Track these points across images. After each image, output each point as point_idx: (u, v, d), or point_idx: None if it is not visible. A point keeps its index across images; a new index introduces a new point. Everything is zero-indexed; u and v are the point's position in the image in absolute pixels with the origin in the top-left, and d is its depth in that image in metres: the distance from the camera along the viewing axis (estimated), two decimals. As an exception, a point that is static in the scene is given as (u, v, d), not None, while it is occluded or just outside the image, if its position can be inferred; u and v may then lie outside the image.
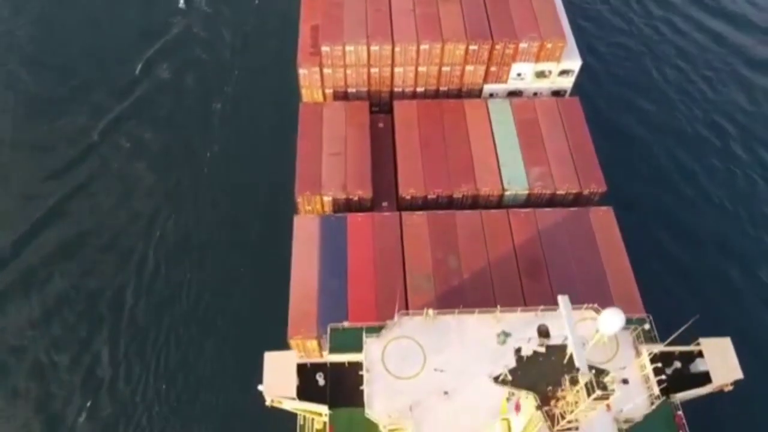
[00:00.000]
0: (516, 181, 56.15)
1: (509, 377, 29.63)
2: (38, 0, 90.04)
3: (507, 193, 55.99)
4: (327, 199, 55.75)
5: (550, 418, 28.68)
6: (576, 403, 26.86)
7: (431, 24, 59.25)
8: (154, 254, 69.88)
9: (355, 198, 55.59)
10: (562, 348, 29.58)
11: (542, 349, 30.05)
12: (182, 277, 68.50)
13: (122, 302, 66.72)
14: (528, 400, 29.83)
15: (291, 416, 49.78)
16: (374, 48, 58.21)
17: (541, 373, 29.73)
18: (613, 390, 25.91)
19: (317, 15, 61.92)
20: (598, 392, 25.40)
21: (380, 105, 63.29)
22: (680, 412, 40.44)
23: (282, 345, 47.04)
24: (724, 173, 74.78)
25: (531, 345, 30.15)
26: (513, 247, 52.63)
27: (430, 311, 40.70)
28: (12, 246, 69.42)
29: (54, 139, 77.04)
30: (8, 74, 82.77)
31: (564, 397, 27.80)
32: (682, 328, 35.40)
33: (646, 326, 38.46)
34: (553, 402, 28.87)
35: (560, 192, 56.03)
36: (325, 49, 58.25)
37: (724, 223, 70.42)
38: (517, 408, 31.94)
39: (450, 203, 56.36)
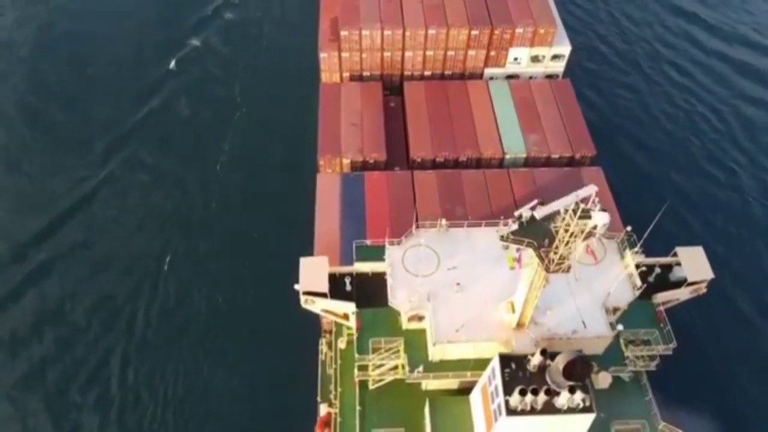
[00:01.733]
0: (515, 145, 65.11)
1: (513, 234, 37.76)
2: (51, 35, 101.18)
3: (507, 156, 64.84)
4: (346, 161, 64.39)
5: (547, 261, 36.67)
6: (566, 231, 34.79)
7: (437, 12, 69.74)
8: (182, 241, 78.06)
9: (371, 161, 64.23)
10: (555, 214, 37.71)
11: (538, 215, 38.27)
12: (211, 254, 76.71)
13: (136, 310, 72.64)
14: (528, 251, 37.86)
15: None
16: (387, 32, 68.32)
17: (538, 232, 37.83)
18: (593, 214, 33.90)
19: (335, 9, 72.43)
20: (582, 207, 33.45)
21: (391, 88, 72.84)
22: (661, 308, 48.18)
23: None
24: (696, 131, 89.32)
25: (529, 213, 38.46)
26: (513, 200, 60.95)
27: (443, 221, 49.02)
28: (14, 263, 74.62)
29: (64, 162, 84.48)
30: (20, 104, 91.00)
31: (557, 232, 35.77)
32: (657, 216, 43.88)
33: (629, 228, 46.54)
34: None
35: (554, 155, 64.88)
36: (343, 33, 68.38)
37: (702, 174, 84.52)
38: (520, 261, 39.78)
39: (456, 166, 64.97)
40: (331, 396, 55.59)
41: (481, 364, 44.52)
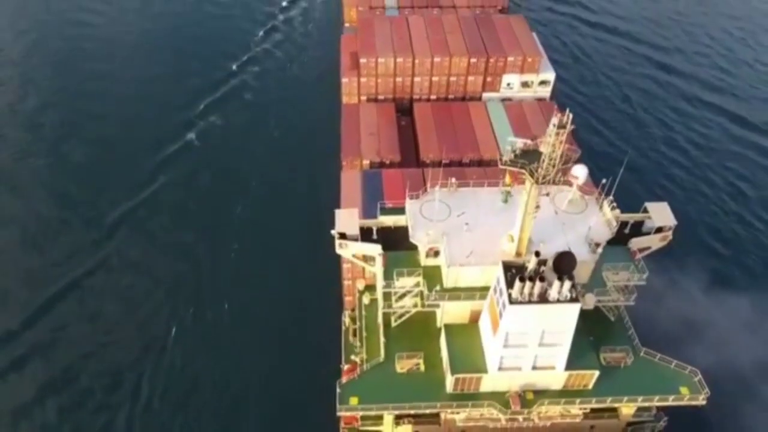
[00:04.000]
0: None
1: (510, 160, 50.39)
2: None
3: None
4: (365, 162, 77.71)
5: (537, 175, 49.04)
6: (549, 143, 47.30)
7: (441, 44, 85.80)
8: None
9: (387, 161, 77.61)
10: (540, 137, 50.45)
11: (529, 146, 51.06)
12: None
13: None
14: (524, 175, 50.28)
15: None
16: (399, 60, 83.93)
17: (528, 158, 50.37)
18: (569, 125, 46.53)
19: (354, 44, 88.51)
20: (560, 117, 46.11)
21: (402, 110, 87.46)
22: (635, 250, 59.87)
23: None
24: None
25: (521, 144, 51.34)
26: (510, 190, 73.88)
27: (453, 180, 61.56)
28: (22, 323, 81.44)
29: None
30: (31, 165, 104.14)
31: (543, 145, 48.31)
32: (623, 166, 56.73)
33: (603, 180, 58.97)
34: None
35: (545, 157, 78.55)
36: (362, 60, 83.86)
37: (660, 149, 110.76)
38: (519, 181, 51.99)
39: (460, 166, 78.28)
40: (356, 349, 65.84)
41: (488, 291, 55.64)
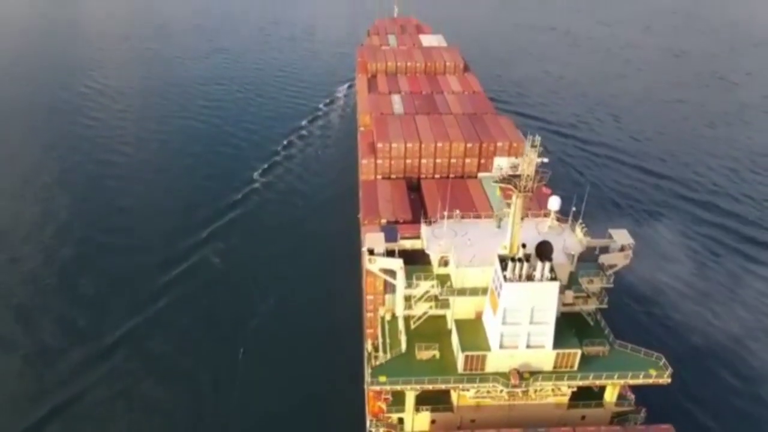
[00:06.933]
0: (501, 209, 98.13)
1: (501, 179, 69.56)
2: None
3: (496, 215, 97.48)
4: (383, 221, 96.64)
5: (519, 186, 67.84)
6: (527, 162, 66.35)
7: (443, 133, 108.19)
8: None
9: (401, 221, 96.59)
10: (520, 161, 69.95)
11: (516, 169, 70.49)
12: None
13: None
14: (512, 190, 69.13)
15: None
16: (409, 145, 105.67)
17: (512, 177, 69.54)
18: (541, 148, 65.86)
19: (370, 137, 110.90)
20: (532, 140, 65.50)
21: (411, 187, 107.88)
22: (604, 263, 77.10)
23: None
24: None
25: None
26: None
27: (457, 211, 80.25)
28: None
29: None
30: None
31: (522, 162, 67.36)
32: (586, 193, 75.70)
33: (573, 208, 77.77)
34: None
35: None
36: (379, 145, 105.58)
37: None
38: (508, 195, 70.66)
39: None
40: (379, 354, 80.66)
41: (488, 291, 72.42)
